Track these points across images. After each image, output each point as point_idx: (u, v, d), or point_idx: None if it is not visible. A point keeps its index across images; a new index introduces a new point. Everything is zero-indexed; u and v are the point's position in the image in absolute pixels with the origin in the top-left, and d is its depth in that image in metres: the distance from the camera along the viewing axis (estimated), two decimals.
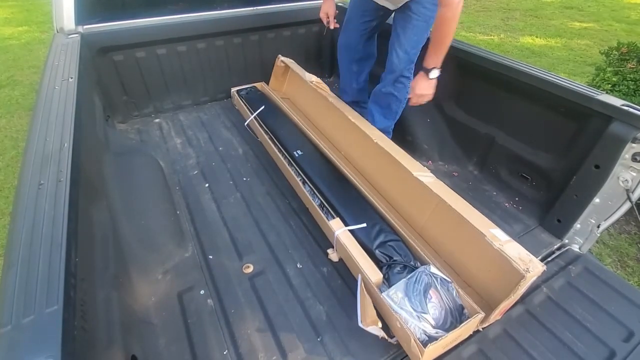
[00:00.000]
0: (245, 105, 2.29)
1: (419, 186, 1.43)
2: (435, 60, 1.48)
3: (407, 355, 1.11)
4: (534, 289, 1.31)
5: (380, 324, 1.12)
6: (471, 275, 1.30)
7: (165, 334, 1.15)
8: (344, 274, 1.37)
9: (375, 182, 1.73)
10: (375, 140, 1.65)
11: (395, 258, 1.30)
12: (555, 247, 1.50)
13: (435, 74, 1.51)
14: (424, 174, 1.46)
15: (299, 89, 2.38)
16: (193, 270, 1.37)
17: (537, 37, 5.27)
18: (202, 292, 1.29)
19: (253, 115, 2.16)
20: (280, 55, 2.44)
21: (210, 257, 1.42)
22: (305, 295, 1.29)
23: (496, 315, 1.16)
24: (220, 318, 1.21)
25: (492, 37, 5.31)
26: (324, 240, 1.50)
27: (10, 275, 0.67)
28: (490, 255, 1.17)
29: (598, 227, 1.40)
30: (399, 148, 1.63)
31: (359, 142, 1.78)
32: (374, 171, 1.75)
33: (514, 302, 1.18)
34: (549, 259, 1.44)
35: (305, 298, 1.28)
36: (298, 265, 1.40)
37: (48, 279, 0.66)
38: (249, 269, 1.38)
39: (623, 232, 2.15)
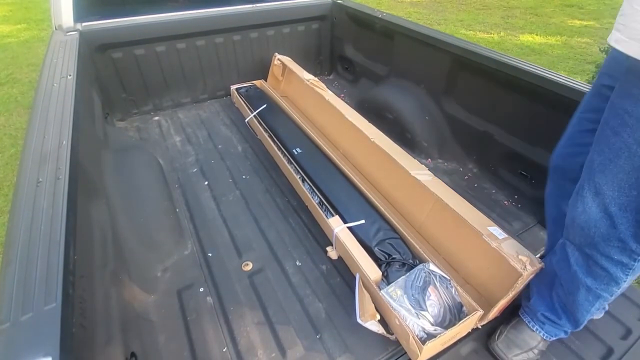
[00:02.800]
0: (245, 103, 2.29)
1: (417, 184, 1.44)
2: None
3: (405, 353, 1.11)
4: None
5: (378, 317, 1.13)
6: (470, 272, 1.30)
7: (165, 331, 1.16)
8: (343, 271, 1.37)
9: (374, 180, 1.73)
10: (372, 139, 1.64)
11: (394, 256, 1.30)
12: None
13: None
14: (421, 172, 1.46)
15: (296, 87, 2.38)
16: (192, 267, 1.37)
17: (537, 35, 5.26)
18: (201, 289, 1.29)
19: (253, 114, 2.16)
20: (276, 54, 2.44)
21: (210, 254, 1.42)
22: (305, 292, 1.30)
23: (495, 312, 1.17)
24: (219, 315, 1.22)
25: (492, 35, 5.30)
26: (323, 238, 1.50)
27: (8, 272, 0.67)
28: (488, 253, 1.17)
29: None
30: (397, 146, 1.63)
31: (357, 140, 1.78)
32: (373, 169, 1.75)
33: (513, 299, 1.18)
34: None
35: (304, 295, 1.28)
36: (297, 263, 1.40)
37: (46, 276, 0.66)
38: (248, 266, 1.38)
39: None
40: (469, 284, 1.30)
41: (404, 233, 1.40)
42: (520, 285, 1.09)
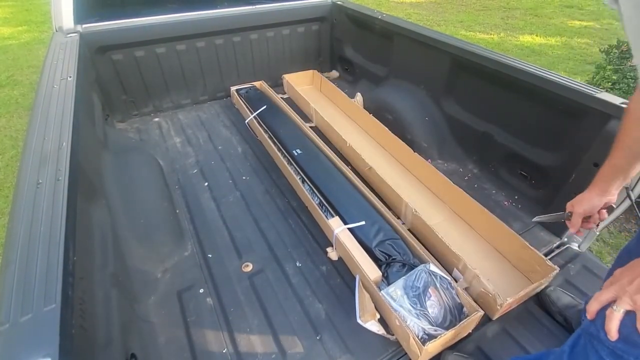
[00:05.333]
0: (245, 104, 2.29)
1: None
2: None
3: (406, 354, 1.11)
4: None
5: (378, 316, 1.13)
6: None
7: (165, 333, 1.16)
8: (343, 272, 1.37)
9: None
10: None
11: (394, 256, 1.30)
12: (555, 245, 1.50)
13: None
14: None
15: (333, 95, 2.52)
16: (192, 269, 1.37)
17: (537, 35, 5.26)
18: (201, 290, 1.29)
19: (254, 115, 2.16)
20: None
21: (210, 255, 1.42)
22: (305, 293, 1.29)
23: (503, 309, 1.17)
24: (219, 316, 1.21)
25: (492, 35, 5.30)
26: (323, 239, 1.50)
27: (8, 273, 0.67)
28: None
29: (597, 225, 1.40)
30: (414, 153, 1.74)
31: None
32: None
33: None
34: (548, 257, 1.44)
35: (304, 296, 1.28)
36: (297, 264, 1.40)
37: (46, 277, 0.66)
38: (248, 267, 1.38)
39: (623, 230, 2.15)
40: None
41: (404, 233, 1.39)
42: (532, 288, 1.09)
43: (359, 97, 2.45)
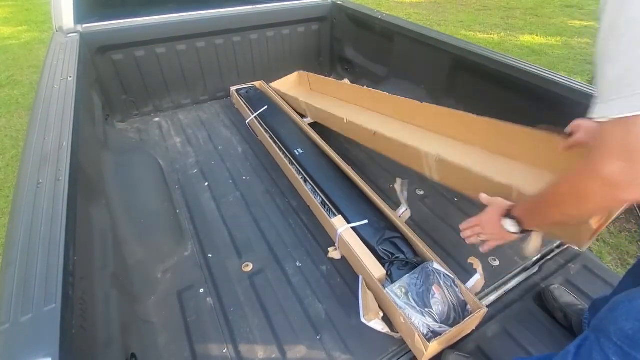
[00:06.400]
0: (245, 104, 2.29)
1: None
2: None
3: (407, 352, 1.11)
4: (533, 286, 1.31)
5: (381, 314, 1.13)
6: None
7: (165, 333, 1.15)
8: (344, 272, 1.37)
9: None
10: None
11: (397, 255, 1.30)
12: (555, 245, 1.50)
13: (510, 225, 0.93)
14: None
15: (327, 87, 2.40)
16: (193, 269, 1.37)
17: (537, 35, 5.26)
18: (201, 290, 1.29)
19: (254, 115, 2.16)
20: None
21: (210, 255, 1.42)
22: (305, 293, 1.29)
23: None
24: (219, 316, 1.21)
25: (492, 35, 5.30)
26: (324, 239, 1.50)
27: (8, 273, 0.67)
28: None
29: None
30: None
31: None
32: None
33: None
34: (548, 257, 1.44)
35: (304, 296, 1.28)
36: (297, 264, 1.40)
37: (46, 277, 0.66)
38: (249, 267, 1.38)
39: (623, 230, 2.15)
40: None
41: (407, 232, 1.39)
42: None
43: None
